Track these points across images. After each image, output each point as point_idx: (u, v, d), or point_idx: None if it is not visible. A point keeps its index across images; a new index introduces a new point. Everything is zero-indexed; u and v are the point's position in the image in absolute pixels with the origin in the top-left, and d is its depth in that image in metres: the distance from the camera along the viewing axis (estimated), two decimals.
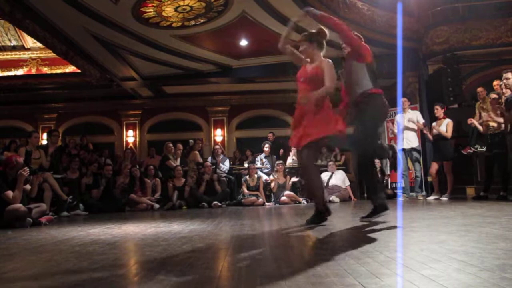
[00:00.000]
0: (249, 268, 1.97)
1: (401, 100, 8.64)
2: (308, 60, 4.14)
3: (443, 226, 3.65)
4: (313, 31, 4.14)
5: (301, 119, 3.99)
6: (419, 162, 8.45)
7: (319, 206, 3.95)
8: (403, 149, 8.34)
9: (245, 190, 9.10)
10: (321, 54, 4.10)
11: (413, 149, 8.34)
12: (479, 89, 7.99)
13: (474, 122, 7.51)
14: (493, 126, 6.99)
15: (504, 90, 6.65)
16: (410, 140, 8.31)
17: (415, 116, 8.43)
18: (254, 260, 2.18)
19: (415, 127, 8.35)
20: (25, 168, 5.36)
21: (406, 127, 8.33)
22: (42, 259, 2.62)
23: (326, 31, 4.10)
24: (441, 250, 2.28)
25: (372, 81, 4.01)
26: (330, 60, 4.01)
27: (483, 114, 7.39)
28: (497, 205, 5.68)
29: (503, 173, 6.99)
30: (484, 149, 7.33)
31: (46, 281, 1.88)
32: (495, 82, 7.51)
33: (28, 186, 5.53)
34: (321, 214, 3.92)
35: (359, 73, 4.05)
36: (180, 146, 10.33)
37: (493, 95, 7.01)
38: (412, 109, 8.92)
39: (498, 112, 6.78)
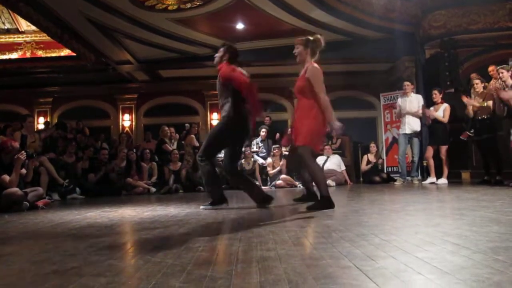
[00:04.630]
0: (245, 251, 1.99)
1: (404, 84, 8.52)
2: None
3: (438, 210, 3.68)
4: (310, 38, 4.22)
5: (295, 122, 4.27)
6: (418, 147, 8.37)
7: (324, 193, 4.00)
8: (404, 134, 8.27)
9: None
10: (312, 61, 4.18)
11: (414, 133, 8.25)
12: (472, 75, 8.01)
13: (468, 101, 7.42)
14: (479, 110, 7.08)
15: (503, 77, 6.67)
16: (411, 125, 8.22)
17: (417, 101, 8.31)
18: (250, 243, 2.20)
19: (417, 111, 8.22)
20: (22, 152, 5.35)
21: (408, 111, 8.22)
22: (39, 242, 2.63)
23: (322, 41, 4.20)
24: (435, 233, 2.30)
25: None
26: (317, 66, 4.13)
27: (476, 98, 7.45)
28: (492, 189, 5.73)
29: (496, 158, 7.04)
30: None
31: (44, 264, 1.89)
32: (490, 68, 7.52)
33: (23, 170, 5.52)
34: (328, 201, 3.95)
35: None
36: (173, 129, 10.32)
37: (478, 86, 7.13)
38: None
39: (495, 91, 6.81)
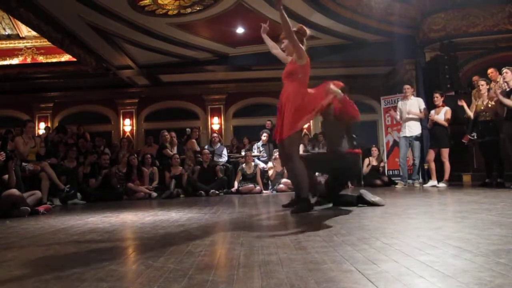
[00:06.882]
0: (246, 255, 1.99)
1: (404, 87, 8.51)
2: (290, 57, 4.22)
3: (440, 213, 3.68)
4: (294, 29, 4.16)
5: (281, 111, 4.09)
6: (419, 150, 8.34)
7: (305, 194, 3.95)
8: (405, 137, 8.25)
9: (235, 183, 9.07)
10: None
11: (414, 137, 8.23)
12: (475, 78, 8.02)
13: (464, 105, 7.51)
14: (486, 112, 7.07)
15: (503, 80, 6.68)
16: (412, 128, 8.20)
17: (417, 104, 8.30)
18: (251, 247, 2.20)
19: (417, 115, 8.21)
20: (1, 153, 5.33)
21: (407, 116, 8.19)
22: (41, 248, 2.63)
23: (306, 29, 4.17)
24: (437, 236, 2.30)
25: None
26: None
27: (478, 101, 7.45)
28: (494, 191, 5.72)
29: (498, 160, 7.04)
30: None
31: (45, 269, 1.89)
32: (489, 70, 7.54)
33: (5, 177, 5.46)
34: (309, 202, 3.92)
35: None
36: (173, 133, 10.31)
37: (483, 88, 7.12)
38: None
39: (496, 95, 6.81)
